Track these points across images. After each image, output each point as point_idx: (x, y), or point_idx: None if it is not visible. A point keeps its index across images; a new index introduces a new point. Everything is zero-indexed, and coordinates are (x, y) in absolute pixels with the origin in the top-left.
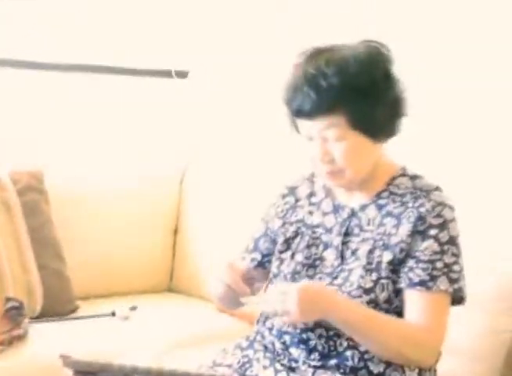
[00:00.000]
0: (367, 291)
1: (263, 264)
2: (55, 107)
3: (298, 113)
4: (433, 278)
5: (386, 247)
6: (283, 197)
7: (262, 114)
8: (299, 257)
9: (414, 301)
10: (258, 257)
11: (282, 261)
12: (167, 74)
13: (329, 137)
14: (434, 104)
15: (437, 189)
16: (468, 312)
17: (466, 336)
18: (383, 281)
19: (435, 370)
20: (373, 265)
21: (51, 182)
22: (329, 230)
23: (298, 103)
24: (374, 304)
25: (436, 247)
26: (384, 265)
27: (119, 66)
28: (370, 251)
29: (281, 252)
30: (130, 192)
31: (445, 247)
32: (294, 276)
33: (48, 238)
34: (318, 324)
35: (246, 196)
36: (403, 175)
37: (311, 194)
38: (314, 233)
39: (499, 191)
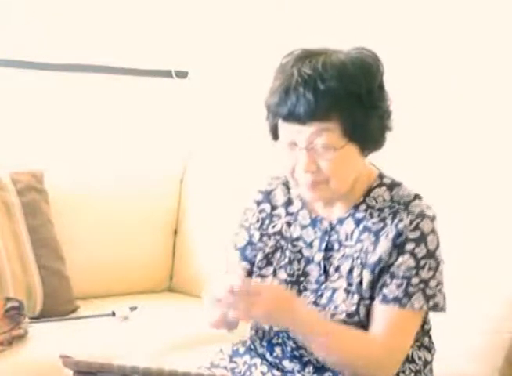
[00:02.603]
0: (351, 315)
1: (252, 273)
2: (55, 107)
3: (289, 116)
4: (408, 295)
5: (364, 265)
6: (258, 203)
7: (262, 114)
8: (282, 274)
9: (383, 316)
10: (247, 266)
11: (263, 278)
12: (167, 74)
13: (317, 144)
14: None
15: (415, 198)
16: (468, 312)
17: (466, 336)
18: (365, 301)
19: (431, 369)
20: (353, 287)
21: (51, 182)
22: (309, 245)
23: (291, 105)
24: (360, 325)
25: (412, 262)
26: (364, 287)
27: (119, 66)
28: (350, 271)
29: (261, 268)
30: (130, 192)
31: (422, 262)
32: None
33: (48, 238)
34: None
35: (247, 195)
36: (380, 184)
37: (289, 202)
38: (294, 246)
39: (500, 194)
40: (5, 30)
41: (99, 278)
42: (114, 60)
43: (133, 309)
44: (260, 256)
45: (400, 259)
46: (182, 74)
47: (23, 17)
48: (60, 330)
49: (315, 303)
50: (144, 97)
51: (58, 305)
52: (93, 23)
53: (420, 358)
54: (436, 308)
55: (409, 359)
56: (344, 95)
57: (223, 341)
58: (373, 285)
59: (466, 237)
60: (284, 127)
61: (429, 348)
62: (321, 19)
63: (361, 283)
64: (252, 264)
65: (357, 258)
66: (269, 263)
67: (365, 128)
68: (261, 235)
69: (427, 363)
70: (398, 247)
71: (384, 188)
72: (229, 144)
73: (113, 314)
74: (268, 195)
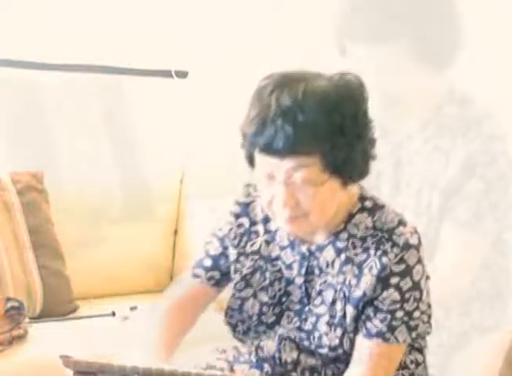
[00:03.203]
0: (334, 349)
1: (221, 282)
2: (55, 107)
3: (266, 148)
4: (391, 329)
5: (348, 299)
6: (236, 216)
7: None
8: (263, 296)
9: (366, 351)
10: (217, 275)
11: (243, 301)
12: (167, 74)
13: (296, 178)
14: None
15: (399, 224)
16: (467, 312)
17: (465, 336)
18: (350, 335)
19: (425, 367)
20: (336, 320)
21: (51, 182)
22: (288, 266)
23: (268, 137)
24: (344, 356)
25: (397, 296)
26: (348, 321)
27: (119, 66)
28: (333, 302)
29: (240, 291)
30: (130, 192)
31: (407, 296)
32: (261, 317)
33: (48, 238)
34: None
35: None
36: (361, 209)
37: (267, 218)
38: (274, 266)
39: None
40: (5, 30)
41: (99, 278)
42: (114, 60)
43: (133, 309)
44: (237, 278)
45: (384, 293)
46: (182, 74)
47: (23, 17)
48: (60, 330)
49: (300, 329)
50: (144, 97)
51: (58, 305)
52: (93, 23)
53: (412, 361)
54: (418, 337)
55: (402, 366)
56: (325, 128)
57: (223, 340)
58: (356, 319)
59: (466, 238)
60: (261, 158)
61: (420, 349)
62: (321, 20)
63: (344, 316)
64: (223, 274)
65: (340, 290)
66: (248, 285)
67: (349, 161)
68: (239, 254)
69: (418, 364)
70: (382, 281)
71: (365, 213)
72: (229, 144)
73: (113, 314)
74: (246, 207)
